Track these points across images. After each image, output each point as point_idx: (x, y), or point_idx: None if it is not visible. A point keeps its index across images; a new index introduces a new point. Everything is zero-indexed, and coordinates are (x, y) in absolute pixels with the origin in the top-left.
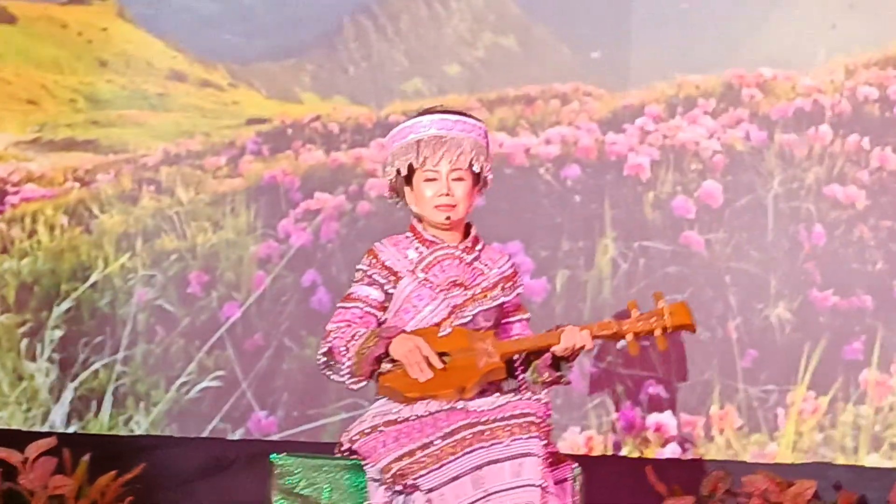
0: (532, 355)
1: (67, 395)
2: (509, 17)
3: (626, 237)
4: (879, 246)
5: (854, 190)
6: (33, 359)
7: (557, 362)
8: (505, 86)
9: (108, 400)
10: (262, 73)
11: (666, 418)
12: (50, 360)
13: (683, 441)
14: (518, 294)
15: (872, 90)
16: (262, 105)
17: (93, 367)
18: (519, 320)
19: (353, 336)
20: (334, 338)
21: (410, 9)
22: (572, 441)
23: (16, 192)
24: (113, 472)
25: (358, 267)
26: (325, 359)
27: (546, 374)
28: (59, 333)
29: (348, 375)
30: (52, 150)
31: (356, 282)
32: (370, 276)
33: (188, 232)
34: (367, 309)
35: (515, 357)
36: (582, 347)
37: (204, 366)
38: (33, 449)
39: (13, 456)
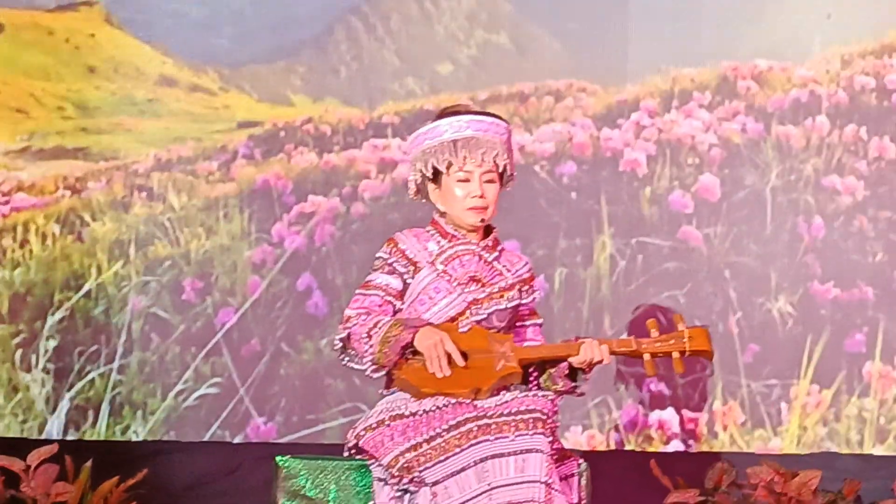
0: (547, 363)
1: (64, 405)
2: (501, 14)
3: (623, 234)
4: (879, 237)
5: (853, 180)
6: (28, 369)
7: (574, 373)
8: (498, 83)
9: (104, 409)
10: (253, 76)
11: (668, 415)
12: (45, 370)
13: (686, 438)
14: (534, 299)
15: (869, 80)
16: (253, 108)
17: (88, 377)
18: (532, 325)
19: (376, 324)
20: (354, 324)
21: (401, 8)
22: (574, 440)
23: (6, 202)
24: (115, 478)
25: (378, 255)
26: (342, 344)
27: (560, 384)
28: (53, 343)
29: (370, 363)
30: (42, 159)
31: (375, 269)
32: (390, 265)
33: (181, 238)
34: (387, 297)
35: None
36: (599, 361)
37: (201, 373)
38: (35, 456)
39: (15, 464)
